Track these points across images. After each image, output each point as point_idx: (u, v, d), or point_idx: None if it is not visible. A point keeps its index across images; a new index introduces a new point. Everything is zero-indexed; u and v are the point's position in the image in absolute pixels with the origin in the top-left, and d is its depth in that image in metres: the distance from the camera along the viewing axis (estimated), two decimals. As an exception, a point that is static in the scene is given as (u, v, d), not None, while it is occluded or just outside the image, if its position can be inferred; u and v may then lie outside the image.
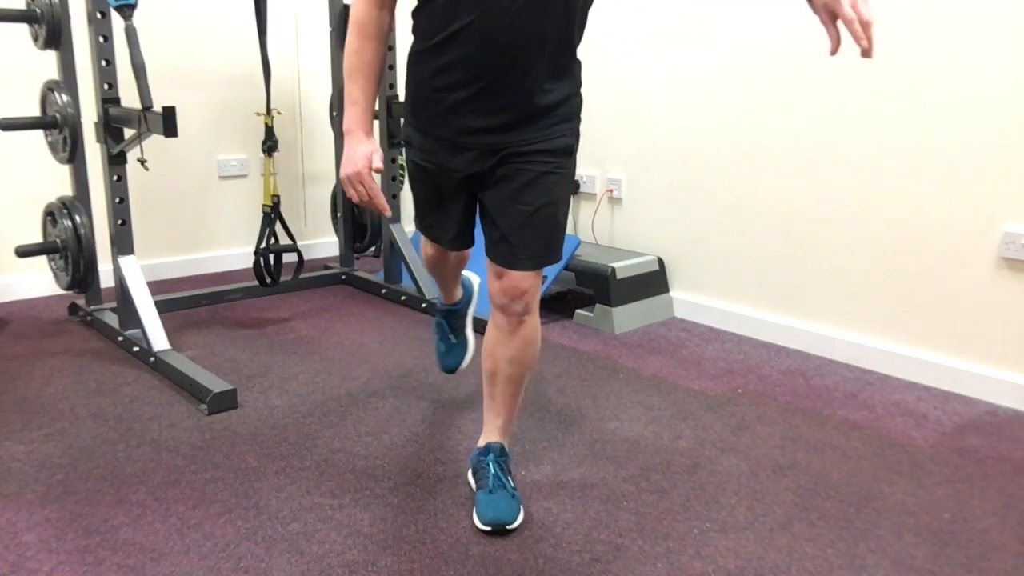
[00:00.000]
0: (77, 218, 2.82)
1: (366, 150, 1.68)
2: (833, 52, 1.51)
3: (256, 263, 3.18)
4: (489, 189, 1.72)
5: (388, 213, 1.79)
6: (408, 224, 4.00)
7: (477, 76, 1.63)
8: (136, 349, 2.74)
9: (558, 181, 1.72)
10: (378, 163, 1.68)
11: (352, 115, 1.70)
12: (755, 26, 2.90)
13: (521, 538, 1.76)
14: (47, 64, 2.92)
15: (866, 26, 1.44)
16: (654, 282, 3.28)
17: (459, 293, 2.24)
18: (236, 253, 3.90)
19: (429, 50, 1.67)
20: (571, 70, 1.73)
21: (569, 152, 1.73)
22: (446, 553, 1.71)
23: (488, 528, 1.77)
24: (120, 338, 2.85)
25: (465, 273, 2.26)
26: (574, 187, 3.57)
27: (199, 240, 3.83)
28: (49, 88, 2.82)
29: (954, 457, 2.15)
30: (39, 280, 3.39)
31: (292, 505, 1.88)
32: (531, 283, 1.73)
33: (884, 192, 2.65)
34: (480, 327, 2.07)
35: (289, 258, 3.27)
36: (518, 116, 1.66)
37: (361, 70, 1.69)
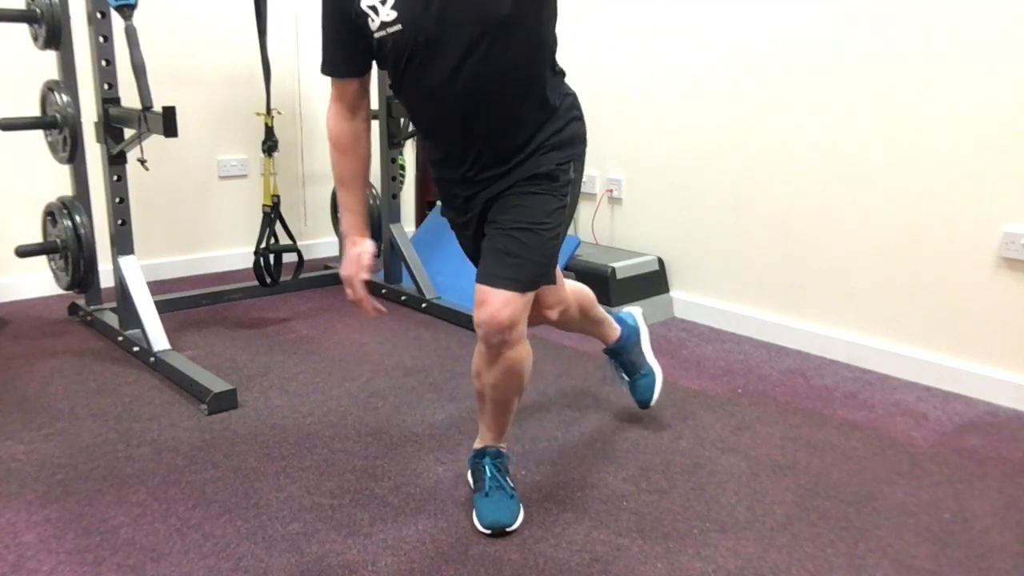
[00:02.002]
0: (77, 218, 2.82)
1: (356, 252, 1.75)
2: None
3: (256, 263, 3.18)
4: (486, 224, 1.75)
5: (379, 313, 1.80)
6: (408, 224, 4.01)
7: (458, 156, 1.71)
8: (136, 349, 2.74)
9: (541, 203, 1.69)
10: (367, 261, 1.74)
11: (347, 221, 1.80)
12: (755, 26, 2.90)
13: (521, 538, 1.76)
14: (47, 64, 2.92)
15: None
16: (654, 282, 3.28)
17: (611, 332, 2.23)
18: (236, 253, 3.90)
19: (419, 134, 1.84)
20: (547, 112, 1.70)
21: (553, 176, 1.69)
22: (446, 553, 1.71)
23: (488, 531, 1.77)
24: (120, 338, 2.85)
25: (622, 310, 2.34)
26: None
27: (199, 240, 3.83)
28: (49, 88, 2.82)
29: (954, 457, 2.15)
30: (39, 280, 3.39)
31: (292, 505, 1.88)
32: (510, 315, 1.64)
33: (884, 192, 2.65)
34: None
35: (289, 258, 3.27)
36: (501, 171, 1.70)
37: (345, 180, 1.78)
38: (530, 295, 1.70)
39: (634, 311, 2.36)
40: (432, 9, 1.54)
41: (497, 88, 1.62)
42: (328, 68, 1.69)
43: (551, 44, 1.70)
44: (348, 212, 1.78)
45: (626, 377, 2.30)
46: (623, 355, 2.27)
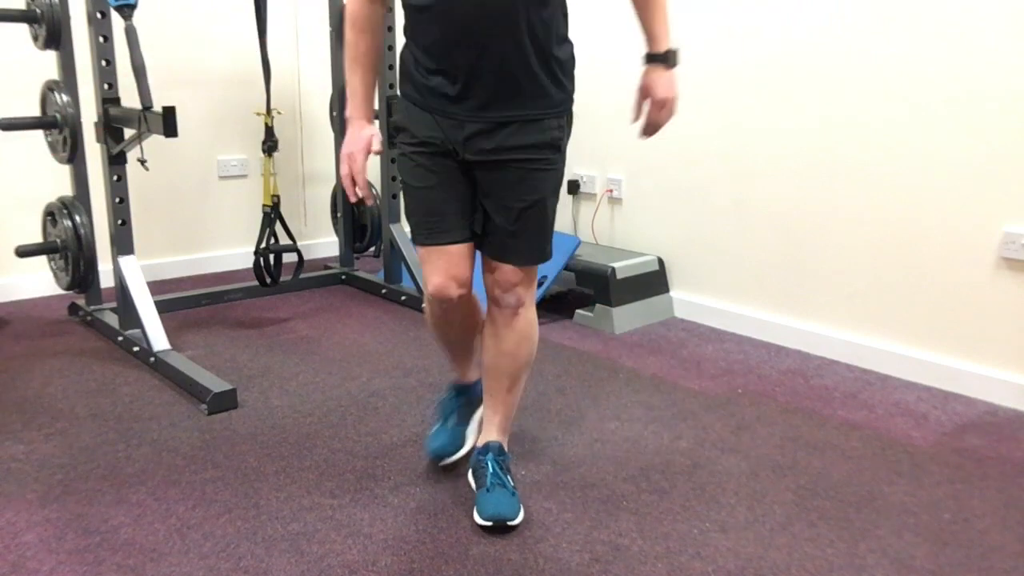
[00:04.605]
0: (77, 218, 2.82)
1: (367, 134, 1.74)
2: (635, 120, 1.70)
3: (256, 263, 3.18)
4: (487, 181, 1.71)
5: (368, 200, 1.79)
6: (408, 224, 4.00)
7: (454, 76, 1.64)
8: (136, 349, 2.74)
9: (546, 177, 1.73)
10: (377, 146, 1.74)
11: (353, 104, 1.78)
12: (755, 26, 2.90)
13: (521, 538, 1.77)
14: (47, 64, 2.92)
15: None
16: (654, 282, 3.28)
17: (474, 371, 2.08)
18: (236, 253, 3.90)
19: (413, 41, 1.70)
20: (555, 56, 1.66)
21: (557, 147, 1.73)
22: (446, 553, 1.71)
23: (489, 523, 1.77)
24: (120, 338, 2.85)
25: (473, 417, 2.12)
26: (573, 187, 3.57)
27: (199, 240, 3.83)
28: (49, 88, 2.82)
29: (954, 457, 2.15)
30: (39, 280, 3.39)
31: (292, 505, 1.88)
32: (523, 276, 1.77)
33: (884, 192, 2.65)
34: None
35: (289, 258, 3.27)
36: (509, 92, 1.64)
37: (358, 61, 1.75)
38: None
39: (471, 432, 2.11)
40: None
41: (509, 18, 1.57)
42: None
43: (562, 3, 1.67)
44: (356, 96, 1.76)
45: (450, 423, 2.08)
46: (464, 402, 2.09)
